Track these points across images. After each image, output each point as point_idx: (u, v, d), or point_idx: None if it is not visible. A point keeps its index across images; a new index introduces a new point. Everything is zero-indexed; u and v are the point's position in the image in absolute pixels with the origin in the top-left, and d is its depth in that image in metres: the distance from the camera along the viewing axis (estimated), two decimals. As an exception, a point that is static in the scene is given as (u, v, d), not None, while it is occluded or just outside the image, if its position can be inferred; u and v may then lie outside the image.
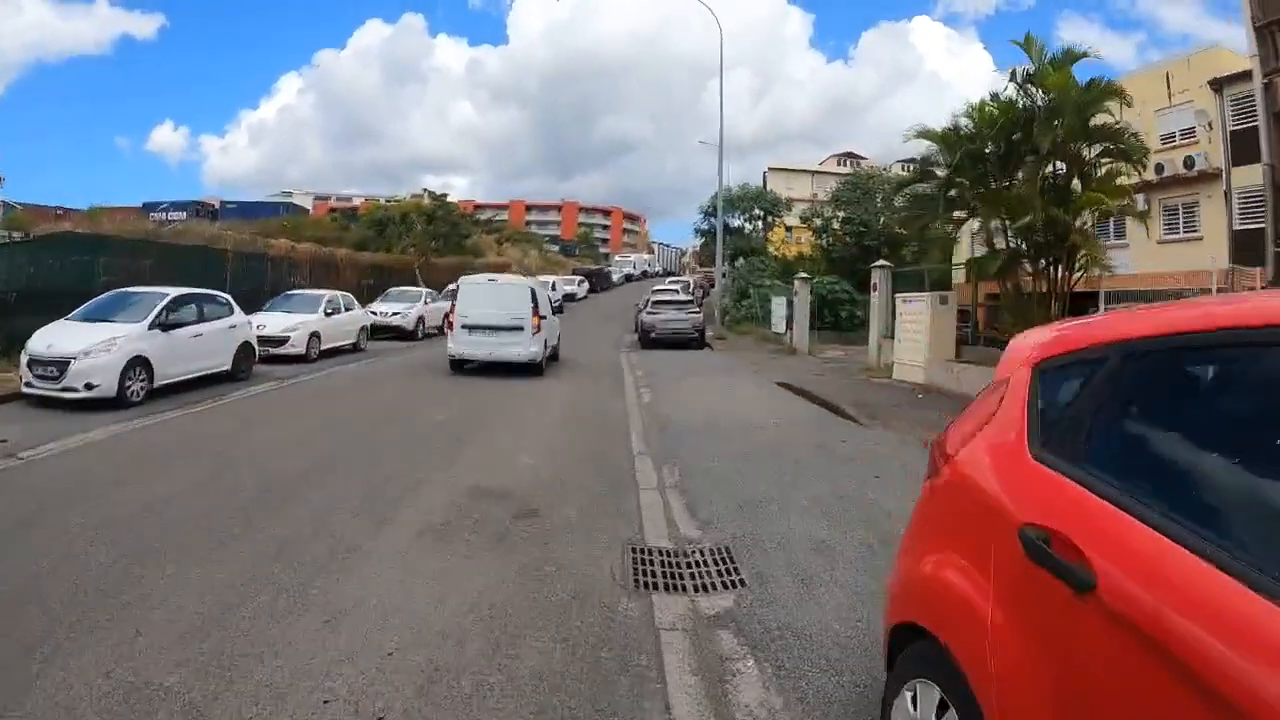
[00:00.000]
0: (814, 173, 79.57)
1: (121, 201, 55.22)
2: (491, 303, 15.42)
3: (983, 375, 12.78)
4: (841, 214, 40.24)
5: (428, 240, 36.49)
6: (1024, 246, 11.62)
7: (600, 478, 6.93)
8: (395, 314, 24.76)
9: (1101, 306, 10.89)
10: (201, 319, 13.41)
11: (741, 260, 42.79)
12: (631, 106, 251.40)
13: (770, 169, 77.44)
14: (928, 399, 12.30)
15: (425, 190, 36.96)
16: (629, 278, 68.05)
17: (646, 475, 7.08)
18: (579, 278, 50.86)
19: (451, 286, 30.33)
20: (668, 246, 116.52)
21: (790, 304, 24.01)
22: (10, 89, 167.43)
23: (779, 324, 25.12)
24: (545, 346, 16.13)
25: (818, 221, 41.88)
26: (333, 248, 30.73)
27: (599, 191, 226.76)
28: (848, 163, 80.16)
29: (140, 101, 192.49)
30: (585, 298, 49.08)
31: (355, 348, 20.36)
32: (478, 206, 79.97)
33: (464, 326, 15.44)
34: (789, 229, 55.44)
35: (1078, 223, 11.14)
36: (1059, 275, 11.74)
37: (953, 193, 11.95)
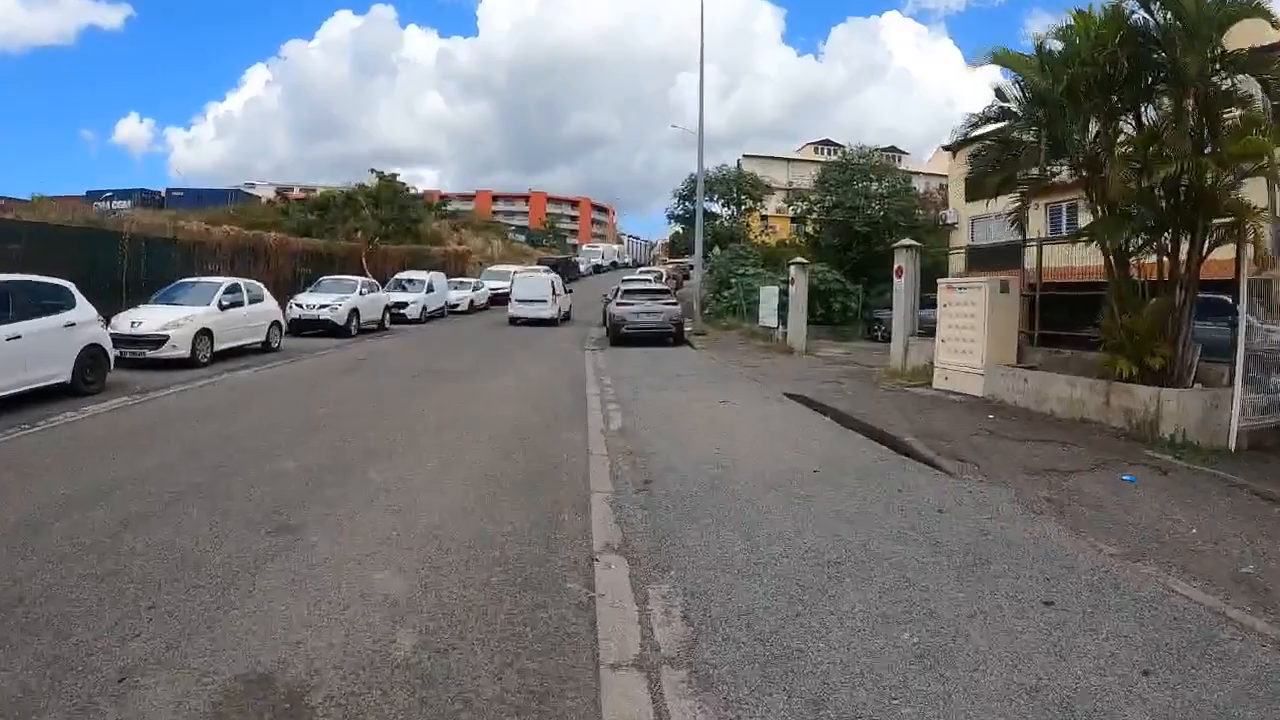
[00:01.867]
0: (790, 160, 76.50)
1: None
2: (532, 286, 27.07)
3: (1070, 388, 9.53)
4: (830, 198, 36.99)
5: (376, 225, 32.62)
6: (1151, 213, 8.31)
7: (522, 641, 3.40)
8: (323, 307, 21.00)
9: (1243, 301, 7.71)
10: (23, 315, 9.89)
11: (717, 249, 39.42)
12: (599, 101, 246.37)
13: (745, 156, 73.93)
14: (1006, 421, 8.96)
15: (372, 170, 33.02)
16: (598, 268, 64.48)
17: (620, 625, 3.55)
18: (544, 268, 47.29)
19: (399, 276, 27.36)
20: (637, 239, 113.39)
21: (784, 294, 20.72)
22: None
23: (768, 317, 21.75)
24: (560, 311, 27.14)
25: (801, 206, 38.61)
26: (259, 231, 26.80)
27: (567, 185, 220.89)
28: (825, 150, 77.28)
29: (105, 93, 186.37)
30: (551, 289, 45.53)
31: (266, 347, 16.70)
32: (443, 197, 75.64)
33: (517, 300, 26.59)
34: (764, 217, 52.20)
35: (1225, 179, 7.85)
36: (1185, 254, 8.48)
37: (1044, 137, 8.57)
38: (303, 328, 21.06)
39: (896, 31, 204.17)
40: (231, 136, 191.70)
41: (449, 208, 54.72)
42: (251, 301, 16.36)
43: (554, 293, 26.76)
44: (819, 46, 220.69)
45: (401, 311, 26.51)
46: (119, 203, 50.40)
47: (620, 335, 19.83)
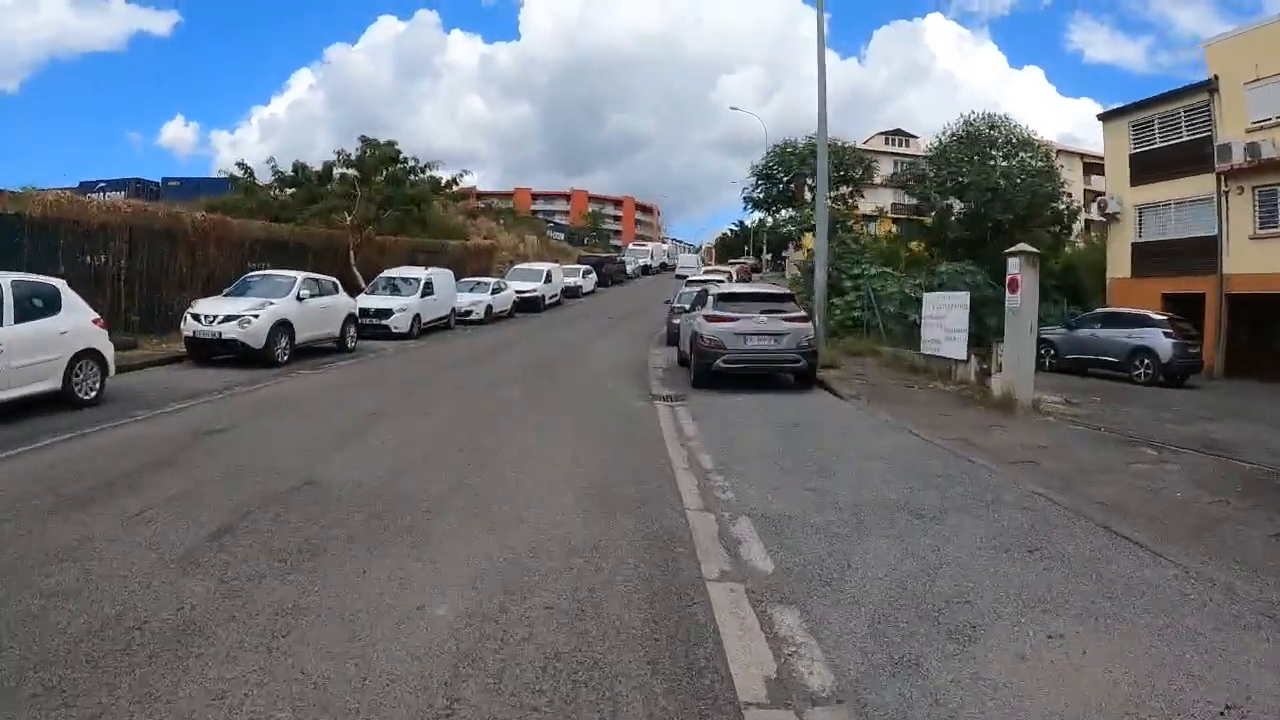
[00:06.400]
0: (860, 151, 67.58)
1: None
2: (687, 260, 60.13)
3: None
4: (951, 181, 28.36)
5: (370, 208, 24.82)
6: None
7: None
8: (228, 319, 13.11)
9: None
10: None
11: (790, 247, 31.12)
12: (641, 104, 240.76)
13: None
14: None
15: (361, 137, 25.14)
16: (646, 269, 56.34)
17: None
18: (584, 268, 39.30)
19: (387, 274, 19.76)
20: (680, 243, 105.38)
21: (979, 308, 12.41)
22: (25, 85, 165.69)
23: (948, 345, 13.31)
24: (700, 271, 38.37)
25: (917, 189, 30.01)
26: (178, 211, 19.17)
27: (608, 187, 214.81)
28: (897, 141, 68.60)
29: (153, 97, 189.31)
30: (592, 292, 37.52)
31: (70, 399, 8.97)
32: (482, 195, 68.24)
33: (682, 266, 52.43)
34: (840, 221, 43.76)
35: None
36: None
37: None
38: (208, 352, 13.33)
39: (939, 35, 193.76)
40: (275, 139, 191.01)
41: (449, 181, 45.94)
42: (26, 316, 8.52)
43: (699, 266, 47.05)
44: (861, 50, 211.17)
45: (383, 323, 18.69)
46: (113, 194, 45.04)
47: (715, 372, 11.58)
